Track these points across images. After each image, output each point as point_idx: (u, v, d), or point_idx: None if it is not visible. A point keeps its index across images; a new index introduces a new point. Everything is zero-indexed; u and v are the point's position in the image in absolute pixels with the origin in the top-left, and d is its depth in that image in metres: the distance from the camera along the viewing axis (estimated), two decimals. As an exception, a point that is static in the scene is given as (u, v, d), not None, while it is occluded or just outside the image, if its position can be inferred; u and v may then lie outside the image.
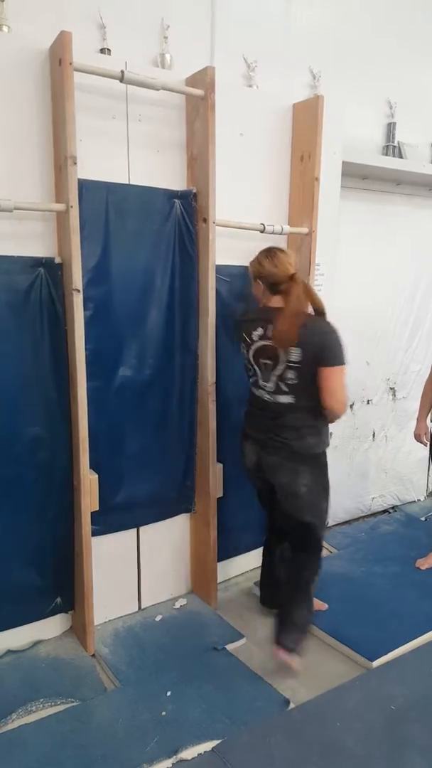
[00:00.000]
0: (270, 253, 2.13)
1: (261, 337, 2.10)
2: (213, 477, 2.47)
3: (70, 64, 1.88)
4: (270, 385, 2.10)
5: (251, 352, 2.14)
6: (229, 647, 2.28)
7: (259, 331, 2.10)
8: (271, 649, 2.17)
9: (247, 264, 2.54)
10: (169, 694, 2.01)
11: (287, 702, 1.99)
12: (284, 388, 2.07)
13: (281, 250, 2.15)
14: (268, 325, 2.07)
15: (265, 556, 2.50)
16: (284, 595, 2.25)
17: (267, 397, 2.13)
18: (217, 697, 2.01)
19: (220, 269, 2.38)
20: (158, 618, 2.47)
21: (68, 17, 2.09)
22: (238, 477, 2.65)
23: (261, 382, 2.14)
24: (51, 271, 2.05)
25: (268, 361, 2.08)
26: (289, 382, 2.05)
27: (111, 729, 1.86)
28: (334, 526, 3.44)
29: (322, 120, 2.50)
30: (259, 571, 2.85)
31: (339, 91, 2.88)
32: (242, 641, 2.33)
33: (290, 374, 2.04)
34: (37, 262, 2.03)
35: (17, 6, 2.01)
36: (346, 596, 2.62)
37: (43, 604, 2.26)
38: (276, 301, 2.11)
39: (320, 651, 2.30)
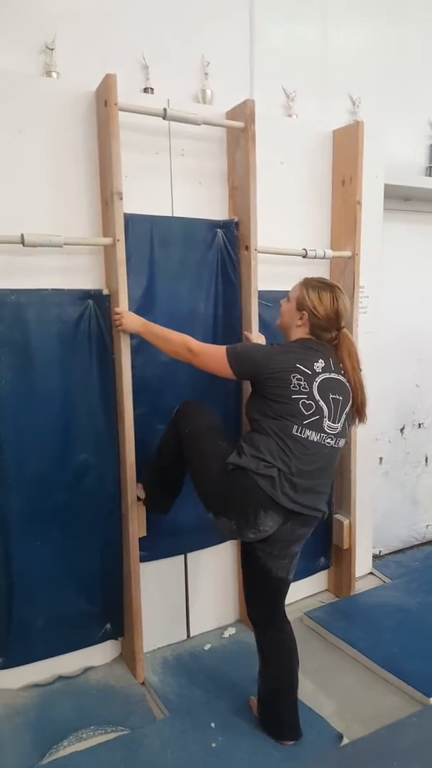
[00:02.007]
0: (335, 291, 1.90)
1: (325, 369, 1.82)
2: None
3: (115, 104, 1.96)
4: (338, 426, 1.83)
5: (316, 385, 1.79)
6: (280, 678, 2.23)
7: (321, 362, 1.82)
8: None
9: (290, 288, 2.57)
10: (213, 725, 1.98)
11: (341, 737, 1.92)
12: (346, 430, 1.87)
13: (343, 292, 1.92)
14: (329, 359, 1.85)
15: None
16: (279, 680, 1.95)
17: (329, 441, 1.80)
18: (267, 730, 1.96)
19: (262, 294, 2.40)
20: (207, 647, 2.45)
21: (113, 60, 2.19)
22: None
23: (327, 423, 1.79)
24: (99, 302, 2.12)
25: (339, 397, 1.82)
26: (348, 422, 1.89)
27: (160, 759, 1.84)
28: (386, 555, 3.35)
29: (362, 145, 2.52)
30: (309, 601, 2.81)
31: (379, 114, 2.91)
32: (293, 672, 2.27)
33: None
34: (85, 294, 2.10)
35: (65, 52, 2.12)
36: (401, 628, 2.52)
37: (93, 630, 2.28)
38: (315, 340, 1.90)
39: (374, 685, 2.22)
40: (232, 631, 2.55)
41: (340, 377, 1.86)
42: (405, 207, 3.16)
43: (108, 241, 2.06)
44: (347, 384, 1.88)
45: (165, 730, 1.97)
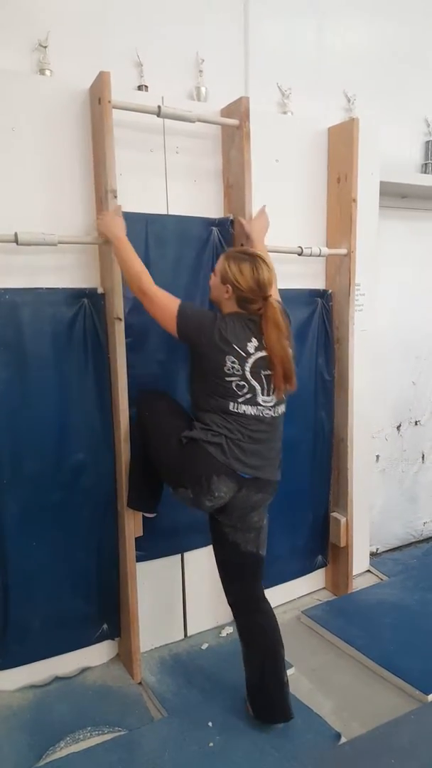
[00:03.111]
0: (255, 262, 1.85)
1: (258, 348, 1.85)
2: (257, 502, 2.45)
3: (109, 102, 1.95)
4: (273, 398, 1.89)
5: (248, 366, 1.84)
6: (277, 677, 2.22)
7: (254, 342, 1.85)
8: None
9: (287, 287, 2.56)
10: (210, 725, 1.97)
11: (339, 736, 1.92)
12: (283, 399, 1.94)
13: (267, 261, 1.89)
14: (261, 335, 1.86)
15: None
16: (263, 664, 1.97)
17: (267, 413, 1.88)
18: (265, 728, 1.95)
19: (258, 293, 2.39)
20: (204, 646, 2.44)
21: (106, 57, 2.19)
22: (284, 502, 2.62)
23: (261, 398, 1.87)
24: (94, 301, 2.11)
25: (269, 372, 1.87)
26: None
27: (158, 760, 1.83)
28: (383, 552, 3.35)
29: (357, 142, 2.51)
30: (306, 599, 2.81)
31: (375, 111, 2.90)
32: (291, 671, 2.26)
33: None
34: (80, 293, 2.09)
35: (59, 50, 2.11)
36: (399, 626, 2.52)
37: (89, 630, 2.27)
38: (246, 313, 1.89)
39: (372, 683, 2.22)
40: (229, 630, 2.55)
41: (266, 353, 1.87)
42: (401, 204, 3.16)
43: (102, 239, 2.04)
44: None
45: (162, 731, 1.96)
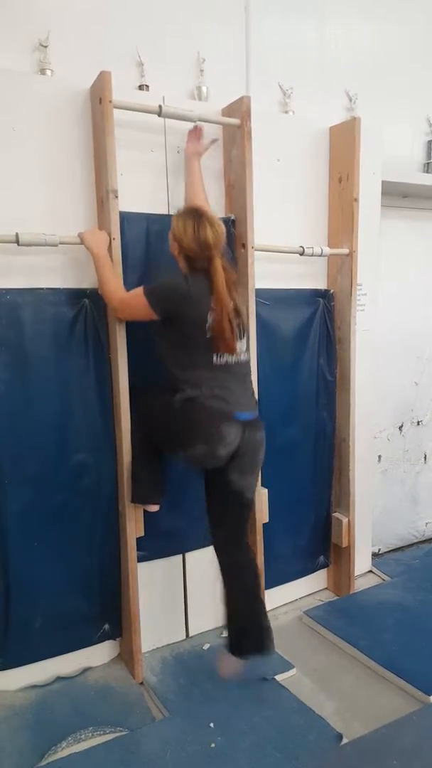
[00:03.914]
0: (199, 218, 1.89)
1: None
2: (258, 502, 2.44)
3: (110, 102, 1.95)
4: (243, 343, 2.01)
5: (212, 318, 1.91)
6: (279, 678, 2.22)
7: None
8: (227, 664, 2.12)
9: (288, 287, 2.56)
10: (212, 725, 1.97)
11: (340, 737, 1.91)
12: (248, 341, 2.07)
13: (213, 221, 1.90)
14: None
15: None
16: (245, 601, 2.09)
17: (244, 356, 2.01)
18: (267, 729, 1.95)
19: (260, 293, 2.39)
20: (206, 646, 2.44)
21: (107, 57, 2.18)
22: (286, 502, 2.62)
23: (237, 344, 1.97)
24: (95, 301, 2.10)
25: (239, 320, 1.98)
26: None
27: (160, 760, 1.83)
28: (385, 553, 3.34)
29: (359, 141, 2.51)
30: (308, 600, 2.80)
31: (377, 111, 2.90)
32: (292, 671, 2.26)
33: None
34: (81, 293, 2.09)
35: (60, 50, 2.11)
36: (401, 626, 2.51)
37: (91, 630, 2.27)
38: (199, 274, 1.92)
39: (374, 683, 2.21)
40: (231, 630, 2.54)
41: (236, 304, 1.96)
42: (403, 204, 3.15)
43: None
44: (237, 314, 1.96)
45: (164, 731, 1.96)
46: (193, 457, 1.97)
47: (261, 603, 2.11)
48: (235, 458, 1.98)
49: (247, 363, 2.07)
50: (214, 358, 1.93)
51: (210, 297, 1.90)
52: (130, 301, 1.94)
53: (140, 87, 2.27)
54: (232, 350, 1.94)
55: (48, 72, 2.10)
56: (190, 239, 1.88)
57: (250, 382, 2.12)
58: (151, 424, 2.09)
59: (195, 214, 1.92)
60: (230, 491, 2.03)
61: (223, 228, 1.94)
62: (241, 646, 2.07)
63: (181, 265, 1.99)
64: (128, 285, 2.09)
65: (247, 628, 2.07)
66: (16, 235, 1.89)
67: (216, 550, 2.11)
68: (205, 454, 1.93)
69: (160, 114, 2.09)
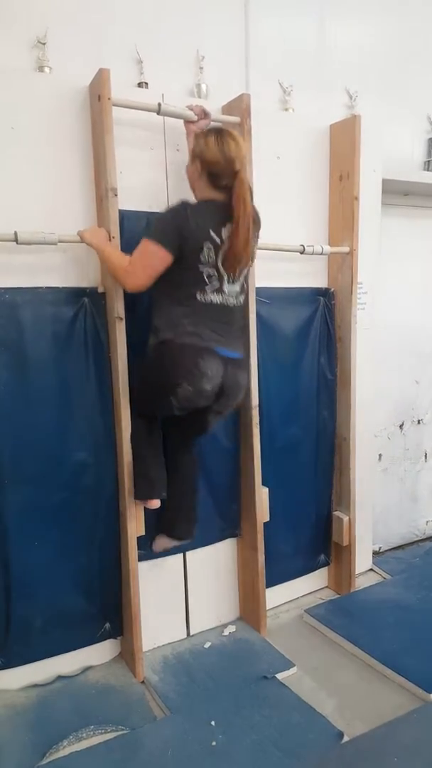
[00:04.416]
0: (221, 134, 1.88)
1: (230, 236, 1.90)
2: (259, 501, 2.44)
3: (109, 99, 1.94)
4: (237, 287, 1.98)
5: (221, 255, 1.89)
6: (280, 676, 2.22)
7: (228, 227, 1.89)
8: (159, 541, 2.28)
9: (289, 286, 2.55)
10: (213, 724, 1.97)
11: (341, 735, 1.91)
12: (245, 287, 2.05)
13: (235, 135, 1.90)
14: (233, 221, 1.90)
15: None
16: (182, 491, 2.22)
17: (230, 300, 1.97)
18: (268, 727, 1.95)
19: (260, 291, 2.38)
20: (207, 645, 2.44)
21: (106, 54, 2.17)
22: (287, 501, 2.62)
23: (227, 287, 1.94)
24: (94, 300, 2.10)
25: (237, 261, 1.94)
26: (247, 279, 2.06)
27: (161, 759, 1.83)
28: (386, 551, 3.34)
29: (359, 139, 2.50)
30: (309, 598, 2.80)
31: (377, 108, 2.89)
32: (293, 670, 2.27)
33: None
34: (81, 292, 2.08)
35: (58, 46, 2.10)
36: (402, 624, 2.51)
37: (92, 629, 2.27)
38: (218, 196, 1.91)
39: (374, 681, 2.22)
40: (232, 629, 2.55)
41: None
42: (403, 202, 3.14)
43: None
44: (244, 248, 1.91)
45: (165, 729, 1.96)
46: (184, 399, 1.91)
47: (196, 495, 2.26)
48: (221, 397, 1.99)
49: (238, 309, 2.03)
50: (198, 295, 1.90)
51: (211, 226, 1.85)
52: (139, 257, 1.87)
53: (139, 84, 2.26)
54: (245, 262, 1.94)
55: (46, 69, 2.08)
56: (215, 151, 1.85)
57: (240, 328, 2.07)
58: (138, 388, 2.05)
59: (215, 130, 1.91)
60: (203, 422, 2.09)
61: (245, 144, 1.94)
62: (173, 530, 2.23)
63: (198, 192, 1.96)
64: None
65: (180, 516, 2.23)
66: (15, 233, 1.88)
67: (172, 446, 2.18)
68: (192, 392, 1.89)
69: (159, 112, 2.08)
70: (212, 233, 1.86)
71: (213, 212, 1.89)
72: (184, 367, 1.89)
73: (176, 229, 1.85)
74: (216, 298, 1.93)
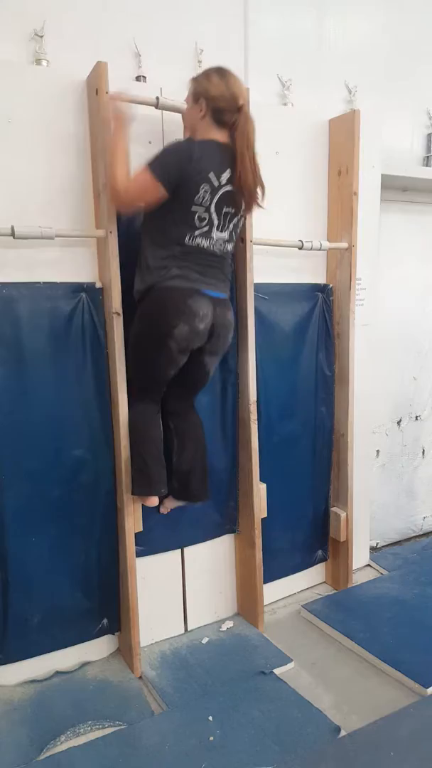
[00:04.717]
0: (222, 71, 1.90)
1: (228, 180, 1.91)
2: (257, 497, 2.44)
3: (107, 93, 1.93)
4: (225, 235, 1.99)
5: (216, 198, 1.90)
6: (277, 671, 2.22)
7: (228, 173, 1.90)
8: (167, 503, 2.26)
9: (287, 281, 2.55)
10: (211, 719, 1.97)
11: (338, 729, 1.92)
12: (234, 237, 2.04)
13: (231, 72, 1.92)
14: (233, 167, 1.90)
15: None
16: (194, 456, 2.21)
17: (218, 247, 1.98)
18: (265, 722, 1.96)
19: (258, 287, 2.38)
20: (205, 640, 2.44)
21: (104, 48, 2.16)
22: (284, 497, 2.62)
23: (215, 233, 1.95)
24: (92, 295, 2.09)
25: (231, 209, 1.96)
26: (237, 229, 2.05)
27: (159, 754, 1.84)
28: (383, 547, 3.35)
29: (358, 134, 2.49)
30: (306, 594, 2.81)
31: (376, 103, 2.87)
32: (290, 665, 2.27)
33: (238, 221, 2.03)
34: (78, 288, 2.08)
35: (55, 40, 2.08)
36: (399, 620, 2.52)
37: (90, 625, 2.27)
38: (221, 136, 1.92)
39: (372, 676, 2.22)
40: (229, 624, 2.55)
41: (233, 188, 1.93)
42: (402, 197, 3.14)
43: (101, 233, 2.03)
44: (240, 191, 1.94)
45: (163, 725, 1.97)
46: (182, 339, 1.94)
47: (206, 454, 2.25)
48: (211, 338, 2.03)
49: (225, 256, 2.05)
50: (187, 238, 1.91)
51: (213, 168, 1.86)
52: (135, 185, 1.87)
53: (137, 78, 2.25)
54: (257, 196, 1.97)
55: (44, 62, 2.06)
56: (220, 86, 1.88)
57: (225, 272, 2.09)
58: (134, 351, 2.04)
59: (216, 68, 1.92)
60: (199, 370, 2.11)
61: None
62: (189, 492, 2.21)
63: (200, 135, 1.93)
64: (127, 277, 2.08)
65: (195, 477, 2.20)
66: (12, 228, 1.87)
67: (169, 414, 2.17)
68: (189, 330, 1.93)
69: (157, 106, 2.07)
70: (212, 176, 1.87)
71: (216, 154, 1.89)
72: (176, 308, 1.92)
73: (177, 165, 1.85)
74: (203, 243, 1.94)
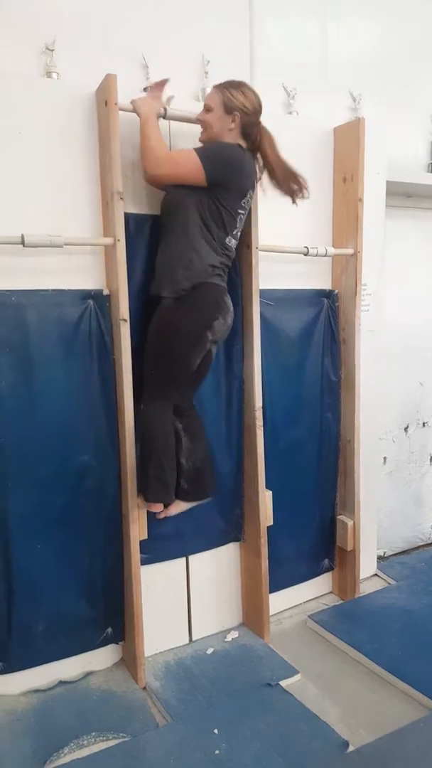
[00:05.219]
0: (249, 86, 2.02)
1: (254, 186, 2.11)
2: (262, 504, 2.42)
3: (116, 104, 1.94)
4: (237, 232, 2.11)
5: (246, 201, 2.07)
6: (283, 683, 2.19)
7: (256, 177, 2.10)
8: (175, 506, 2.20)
9: (292, 287, 2.54)
10: (216, 731, 1.94)
11: (346, 744, 1.89)
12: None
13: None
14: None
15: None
16: (203, 457, 2.21)
17: (233, 242, 2.09)
18: (271, 736, 1.93)
19: (264, 293, 2.37)
20: (209, 651, 2.42)
21: (113, 60, 2.17)
22: (290, 505, 2.60)
23: (236, 232, 2.09)
24: (99, 302, 2.09)
25: (243, 214, 2.09)
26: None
27: (163, 767, 1.81)
28: (391, 556, 3.32)
29: (363, 142, 2.49)
30: (313, 604, 2.78)
31: (381, 111, 2.87)
32: (297, 677, 2.24)
33: None
34: (86, 295, 2.08)
35: (65, 53, 2.10)
36: (406, 631, 2.49)
37: (94, 634, 2.25)
38: (247, 146, 2.06)
39: (379, 689, 2.19)
40: (234, 634, 2.52)
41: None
42: (407, 204, 3.14)
43: (109, 241, 2.03)
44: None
45: (167, 737, 1.94)
46: (218, 332, 2.06)
47: (209, 456, 2.27)
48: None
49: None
50: (227, 238, 2.03)
51: (255, 175, 2.05)
52: (178, 158, 1.94)
53: (145, 89, 2.25)
54: (304, 186, 2.12)
55: (54, 75, 2.09)
56: (254, 101, 2.00)
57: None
58: (164, 346, 2.05)
59: (245, 83, 2.02)
60: (207, 361, 2.14)
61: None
62: (200, 490, 2.20)
63: (227, 140, 2.01)
64: (134, 284, 2.09)
65: (206, 474, 2.21)
66: (22, 236, 1.88)
67: (179, 409, 2.16)
68: (224, 324, 2.06)
69: (164, 116, 2.08)
70: (254, 180, 2.06)
71: (252, 162, 2.04)
72: (216, 303, 2.04)
73: (225, 165, 1.96)
74: (232, 243, 2.07)
